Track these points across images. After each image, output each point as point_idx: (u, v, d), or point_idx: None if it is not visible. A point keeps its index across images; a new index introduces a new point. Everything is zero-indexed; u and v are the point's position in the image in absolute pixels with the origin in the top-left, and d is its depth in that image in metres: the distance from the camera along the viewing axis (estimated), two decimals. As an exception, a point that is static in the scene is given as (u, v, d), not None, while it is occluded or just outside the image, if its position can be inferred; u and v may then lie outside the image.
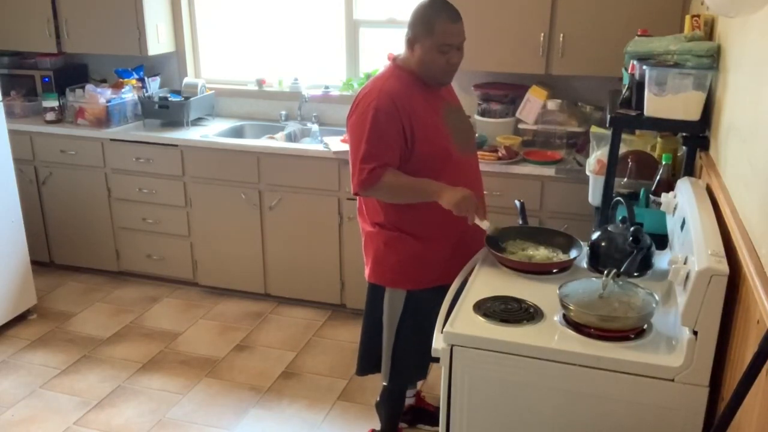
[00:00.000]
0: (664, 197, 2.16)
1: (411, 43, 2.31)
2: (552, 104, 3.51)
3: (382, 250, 2.43)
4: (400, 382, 2.65)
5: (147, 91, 4.22)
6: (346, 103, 2.83)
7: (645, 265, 2.03)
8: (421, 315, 2.39)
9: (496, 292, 1.97)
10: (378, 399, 2.77)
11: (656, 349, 1.70)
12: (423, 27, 2.27)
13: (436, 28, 2.24)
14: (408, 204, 2.35)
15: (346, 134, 2.45)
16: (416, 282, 2.42)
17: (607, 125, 2.41)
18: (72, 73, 4.44)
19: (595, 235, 2.13)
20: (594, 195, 2.73)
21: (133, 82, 4.26)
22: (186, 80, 4.24)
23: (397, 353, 2.52)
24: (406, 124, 2.27)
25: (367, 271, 2.53)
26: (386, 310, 2.48)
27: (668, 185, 2.31)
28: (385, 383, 2.62)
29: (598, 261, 2.09)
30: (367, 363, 2.66)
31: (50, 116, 4.13)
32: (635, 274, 2.00)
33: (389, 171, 2.27)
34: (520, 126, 3.62)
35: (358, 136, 2.29)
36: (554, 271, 2.11)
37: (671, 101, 2.22)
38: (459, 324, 1.82)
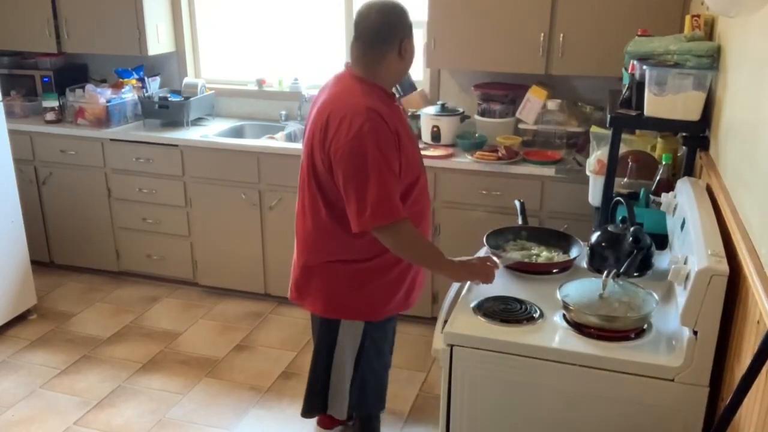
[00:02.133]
0: (664, 197, 2.16)
1: (400, 47, 2.10)
2: (552, 104, 3.51)
3: (343, 284, 2.26)
4: (366, 411, 2.51)
5: (147, 91, 4.22)
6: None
7: (645, 265, 2.03)
8: (381, 341, 2.37)
9: (496, 292, 1.97)
10: None
11: (656, 349, 1.70)
12: (408, 28, 2.12)
13: (412, 26, 2.14)
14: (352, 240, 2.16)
15: (322, 154, 2.10)
16: (378, 313, 2.30)
17: (607, 125, 2.41)
18: (72, 73, 4.44)
19: (595, 235, 2.13)
20: (594, 195, 2.73)
21: (133, 82, 4.26)
22: (186, 80, 4.24)
23: (357, 383, 2.38)
24: (398, 150, 2.08)
25: (315, 306, 2.35)
26: (345, 342, 2.32)
27: (668, 185, 2.31)
28: (342, 419, 2.49)
29: (598, 261, 2.09)
30: (317, 402, 2.46)
31: (50, 116, 4.13)
32: (635, 274, 2.00)
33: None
34: (520, 126, 3.62)
35: (361, 164, 2.01)
36: (554, 271, 2.11)
37: (671, 101, 2.22)
38: (459, 324, 1.82)
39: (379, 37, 2.09)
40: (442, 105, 3.68)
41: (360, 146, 2.01)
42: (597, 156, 2.76)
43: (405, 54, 2.13)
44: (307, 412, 2.52)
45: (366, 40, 2.10)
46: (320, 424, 2.67)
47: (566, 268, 2.12)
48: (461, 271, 2.09)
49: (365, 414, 2.53)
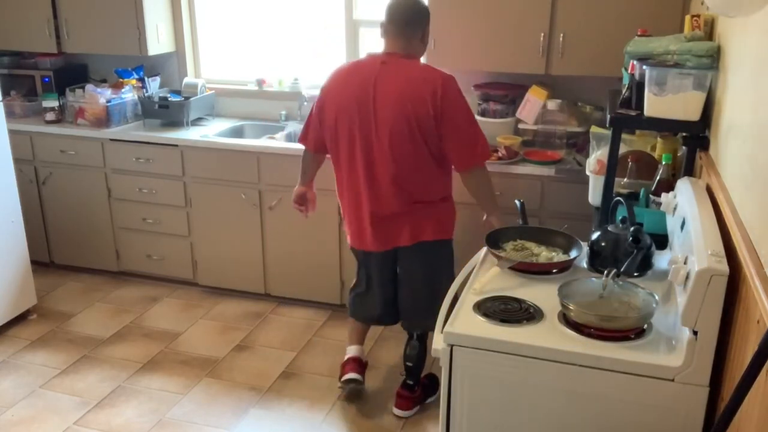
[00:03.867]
0: (664, 197, 2.16)
1: (426, 35, 2.72)
2: (552, 104, 3.51)
3: (444, 214, 2.85)
4: None
5: (147, 91, 4.23)
6: (346, 103, 2.84)
7: (645, 265, 2.03)
8: None
9: (496, 292, 1.97)
10: (416, 356, 2.97)
11: (656, 349, 1.70)
12: (428, 18, 2.73)
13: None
14: (446, 182, 2.82)
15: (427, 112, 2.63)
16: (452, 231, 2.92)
17: (607, 125, 2.41)
18: (72, 73, 4.44)
19: (595, 235, 2.12)
20: (594, 195, 2.73)
21: (133, 82, 4.26)
22: (186, 80, 4.24)
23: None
24: None
25: (426, 234, 2.79)
26: (448, 257, 2.90)
27: (668, 185, 2.31)
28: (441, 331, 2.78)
29: (598, 261, 2.09)
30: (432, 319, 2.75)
31: (50, 116, 4.13)
32: (635, 274, 2.00)
33: None
34: (520, 126, 3.62)
35: (468, 114, 2.68)
36: (554, 271, 2.11)
37: (671, 101, 2.22)
38: (459, 324, 1.82)
39: (421, 26, 2.70)
40: (442, 105, 3.68)
41: (461, 101, 2.66)
42: (597, 156, 2.76)
43: (425, 38, 2.72)
44: (424, 333, 2.97)
45: (399, 24, 2.66)
46: (399, 406, 3.02)
47: (566, 268, 2.12)
48: (499, 214, 2.83)
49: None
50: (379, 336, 3.63)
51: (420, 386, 3.05)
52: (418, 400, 3.04)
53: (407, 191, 2.74)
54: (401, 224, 2.80)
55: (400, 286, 2.96)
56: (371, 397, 3.15)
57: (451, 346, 1.79)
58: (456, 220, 2.92)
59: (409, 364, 2.98)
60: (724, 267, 1.56)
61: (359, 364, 3.07)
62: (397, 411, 3.01)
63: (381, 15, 2.73)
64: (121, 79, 4.26)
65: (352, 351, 3.11)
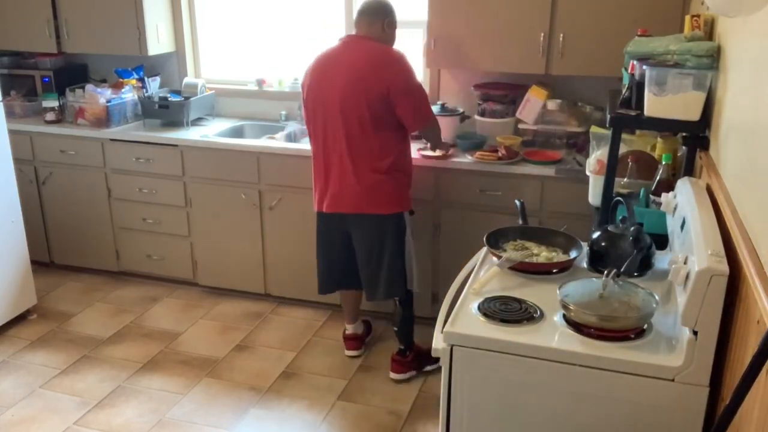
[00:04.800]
0: (664, 197, 2.15)
1: (388, 27, 3.05)
2: (552, 104, 3.51)
3: (400, 186, 3.08)
4: (408, 285, 3.21)
5: (147, 91, 4.22)
6: (346, 103, 2.85)
7: (645, 265, 2.03)
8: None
9: (496, 292, 1.97)
10: (399, 322, 3.23)
11: (656, 349, 1.70)
12: (390, 14, 3.08)
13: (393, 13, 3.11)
14: (403, 151, 3.11)
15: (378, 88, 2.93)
16: (408, 203, 3.17)
17: (607, 125, 2.41)
18: (72, 73, 4.44)
19: (595, 235, 2.12)
20: (594, 195, 2.73)
21: (133, 82, 4.26)
22: (186, 80, 4.24)
23: (407, 263, 3.15)
24: None
25: (382, 208, 3.03)
26: (405, 228, 3.12)
27: (668, 185, 2.30)
28: (416, 291, 3.26)
29: (598, 261, 2.09)
30: (398, 287, 3.15)
31: (50, 116, 4.13)
32: (635, 274, 2.00)
33: None
34: (520, 126, 3.62)
35: (414, 84, 2.99)
36: (554, 271, 2.10)
37: (671, 101, 2.22)
38: (459, 324, 1.82)
39: (389, 19, 3.07)
40: (442, 105, 3.69)
41: (408, 74, 2.99)
42: (597, 156, 2.76)
43: (387, 29, 3.05)
44: (385, 297, 3.19)
45: (361, 13, 3.06)
46: (393, 370, 3.25)
47: (566, 268, 2.12)
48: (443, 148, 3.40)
49: (407, 290, 3.20)
50: (379, 337, 3.63)
51: (413, 352, 3.26)
52: (412, 365, 3.27)
53: (357, 160, 2.99)
54: (350, 193, 3.04)
55: (357, 259, 3.22)
56: (371, 397, 3.15)
57: (451, 346, 1.79)
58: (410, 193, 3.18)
59: (395, 328, 3.25)
60: (724, 267, 1.55)
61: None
62: (391, 374, 3.25)
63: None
64: (121, 79, 4.26)
65: (349, 329, 3.49)
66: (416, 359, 3.27)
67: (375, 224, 3.07)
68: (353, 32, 3.11)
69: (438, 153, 3.41)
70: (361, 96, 2.92)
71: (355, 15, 3.10)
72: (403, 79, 2.95)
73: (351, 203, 3.05)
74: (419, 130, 3.15)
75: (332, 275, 3.30)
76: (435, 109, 3.66)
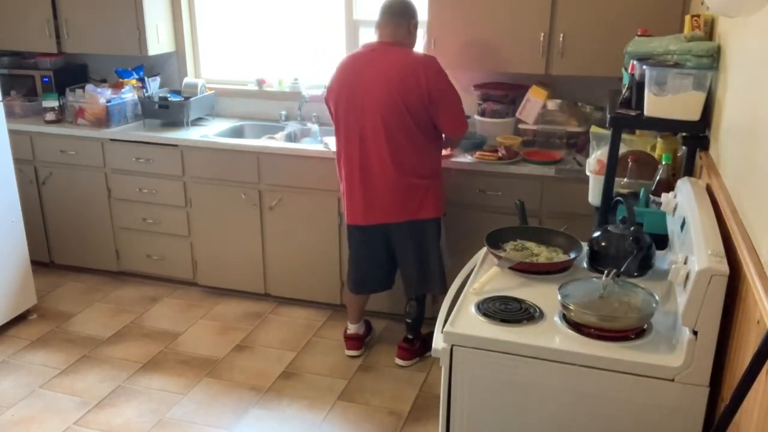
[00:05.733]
0: (664, 197, 2.15)
1: (412, 28, 3.05)
2: (552, 104, 3.51)
3: (440, 189, 3.16)
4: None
5: (147, 91, 4.22)
6: (346, 103, 2.85)
7: (645, 265, 2.03)
8: None
9: (496, 292, 1.97)
10: (413, 315, 3.34)
11: (656, 349, 1.70)
12: (415, 13, 3.07)
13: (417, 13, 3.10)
14: (439, 155, 3.21)
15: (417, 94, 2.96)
16: (445, 206, 3.26)
17: (607, 125, 2.41)
18: (72, 73, 4.44)
19: (595, 235, 2.13)
20: (594, 195, 2.73)
21: (133, 82, 4.26)
22: (186, 80, 4.24)
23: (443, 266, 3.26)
24: None
25: (428, 213, 3.11)
26: (441, 233, 3.21)
27: (668, 185, 2.30)
28: (440, 295, 3.23)
29: (598, 261, 2.09)
30: (435, 284, 3.26)
31: (50, 116, 4.13)
32: (635, 274, 2.00)
33: None
34: (520, 126, 3.62)
35: (453, 91, 3.01)
36: (554, 271, 2.10)
37: (671, 101, 2.21)
38: (459, 324, 1.82)
39: (412, 20, 3.06)
40: (442, 105, 3.68)
41: (445, 79, 3.00)
42: (597, 156, 2.76)
43: (411, 31, 3.06)
44: (435, 294, 3.34)
45: (386, 15, 3.03)
46: (400, 356, 3.39)
47: (566, 268, 2.12)
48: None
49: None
50: (379, 337, 3.63)
51: (420, 341, 3.40)
52: (417, 352, 3.40)
53: (401, 167, 3.02)
54: (392, 201, 3.08)
55: (398, 261, 3.27)
56: (371, 397, 3.15)
57: (451, 346, 1.79)
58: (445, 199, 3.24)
59: (408, 320, 3.36)
60: (724, 267, 1.55)
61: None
62: (398, 360, 3.39)
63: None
64: (121, 79, 4.26)
65: (352, 329, 3.51)
66: (422, 348, 3.41)
67: (420, 229, 3.14)
68: (375, 32, 3.08)
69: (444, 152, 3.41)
70: (402, 104, 2.93)
71: (379, 12, 3.05)
72: (443, 86, 2.98)
73: (396, 212, 3.09)
74: (456, 137, 3.16)
75: (368, 279, 3.37)
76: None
